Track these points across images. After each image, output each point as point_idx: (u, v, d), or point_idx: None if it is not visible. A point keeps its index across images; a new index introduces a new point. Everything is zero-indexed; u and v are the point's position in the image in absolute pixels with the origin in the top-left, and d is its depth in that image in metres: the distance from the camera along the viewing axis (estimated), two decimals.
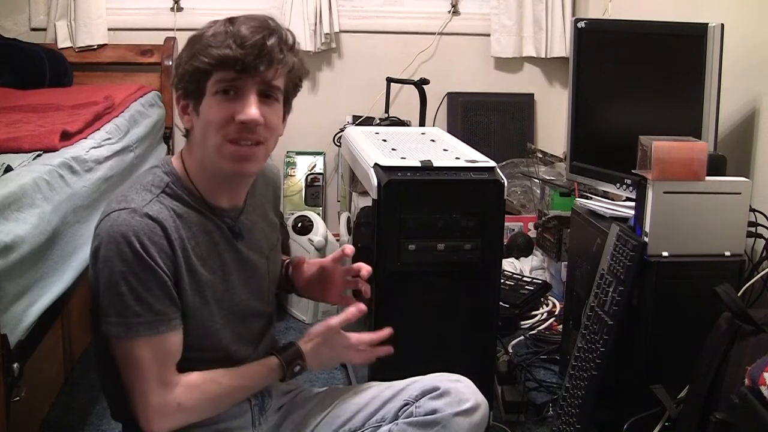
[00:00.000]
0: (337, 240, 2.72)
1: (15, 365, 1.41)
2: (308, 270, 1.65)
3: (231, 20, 1.34)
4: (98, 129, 2.22)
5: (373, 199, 1.79)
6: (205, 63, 1.31)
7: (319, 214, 3.10)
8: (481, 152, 1.97)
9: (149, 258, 1.29)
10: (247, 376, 1.43)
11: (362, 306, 1.48)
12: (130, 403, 1.35)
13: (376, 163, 1.82)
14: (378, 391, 1.51)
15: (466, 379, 1.47)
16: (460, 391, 1.42)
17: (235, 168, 1.37)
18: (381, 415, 1.46)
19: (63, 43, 3.17)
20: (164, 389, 1.33)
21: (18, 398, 1.42)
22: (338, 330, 1.49)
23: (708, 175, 1.74)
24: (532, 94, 3.55)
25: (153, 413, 1.33)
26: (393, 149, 1.98)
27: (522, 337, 2.56)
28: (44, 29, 3.22)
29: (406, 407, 1.44)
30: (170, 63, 3.22)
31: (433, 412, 1.40)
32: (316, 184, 3.37)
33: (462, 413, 1.40)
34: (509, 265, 2.96)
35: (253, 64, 1.31)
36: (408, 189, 1.79)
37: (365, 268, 1.59)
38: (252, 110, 1.32)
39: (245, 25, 1.33)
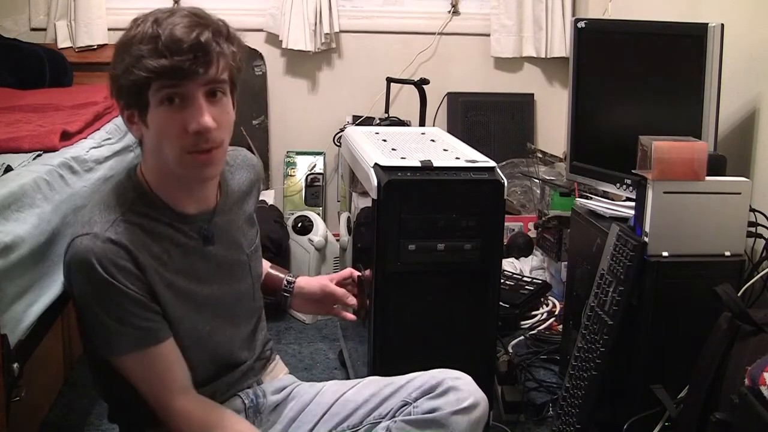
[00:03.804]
0: (337, 240, 2.72)
1: (15, 365, 1.40)
2: (309, 290, 1.72)
3: (157, 21, 1.23)
4: (98, 129, 2.21)
5: (373, 199, 1.79)
6: (142, 76, 1.21)
7: (319, 214, 3.10)
8: (481, 152, 1.97)
9: (117, 282, 1.26)
10: None
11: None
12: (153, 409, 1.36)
13: (376, 163, 1.81)
14: (377, 388, 1.51)
15: (466, 376, 1.47)
16: (459, 389, 1.42)
17: (197, 175, 1.32)
18: (379, 412, 1.47)
19: (63, 43, 3.17)
20: (180, 393, 1.35)
21: (18, 398, 1.42)
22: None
23: (708, 175, 1.74)
24: (532, 94, 3.54)
25: (173, 411, 1.35)
26: (393, 149, 1.98)
27: (522, 337, 2.56)
28: (44, 29, 3.22)
29: (404, 407, 1.44)
30: None
31: (432, 410, 1.40)
32: (316, 184, 3.37)
33: (461, 411, 1.40)
34: (509, 265, 2.97)
35: (193, 69, 1.22)
36: (408, 189, 1.79)
37: (354, 273, 1.77)
38: (204, 119, 1.24)
39: (175, 25, 1.22)
